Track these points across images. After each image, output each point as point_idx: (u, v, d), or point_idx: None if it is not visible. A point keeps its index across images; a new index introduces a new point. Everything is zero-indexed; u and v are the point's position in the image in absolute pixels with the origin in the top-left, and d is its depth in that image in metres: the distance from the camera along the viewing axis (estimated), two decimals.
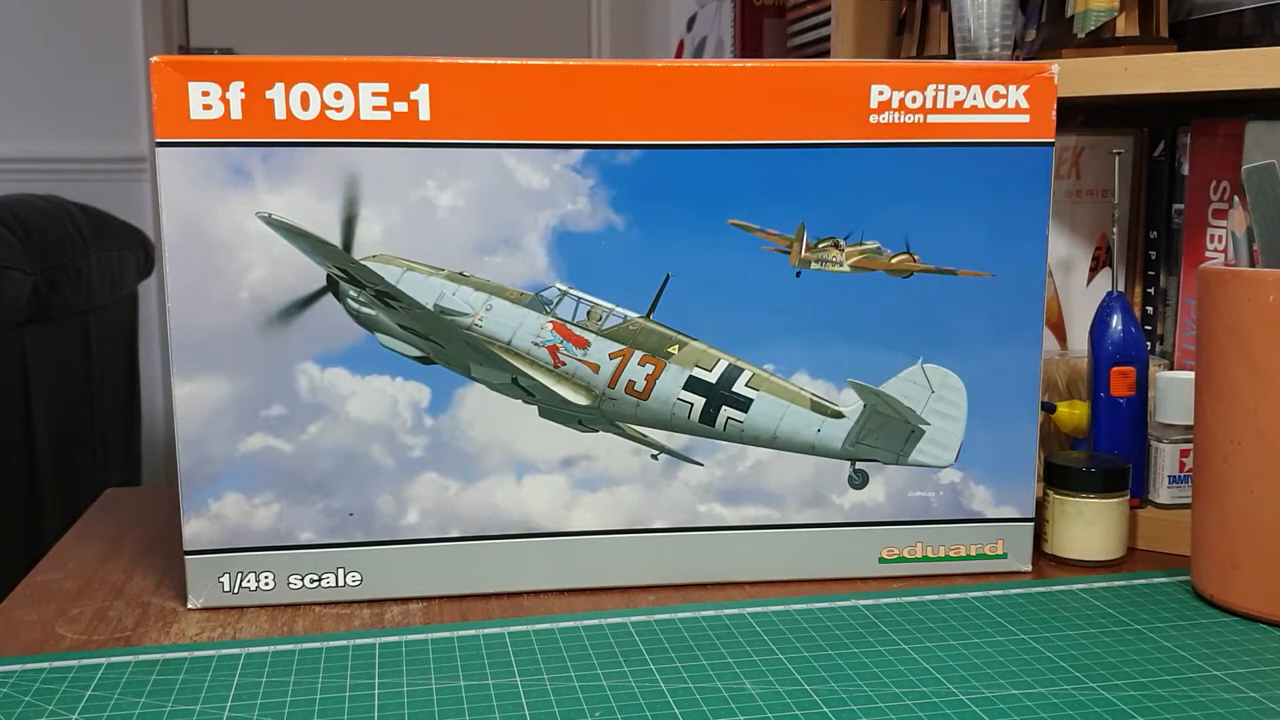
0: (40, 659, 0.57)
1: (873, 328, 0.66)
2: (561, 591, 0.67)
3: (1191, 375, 0.69)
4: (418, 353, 0.64)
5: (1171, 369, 0.81)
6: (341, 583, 0.65)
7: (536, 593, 0.66)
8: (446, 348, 0.64)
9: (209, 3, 2.85)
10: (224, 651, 0.58)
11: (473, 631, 0.60)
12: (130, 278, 1.90)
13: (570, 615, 0.63)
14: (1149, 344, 0.81)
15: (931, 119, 0.65)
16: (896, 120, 0.65)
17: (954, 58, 0.84)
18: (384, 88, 0.61)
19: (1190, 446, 0.74)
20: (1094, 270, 0.85)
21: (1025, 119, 0.66)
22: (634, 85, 0.63)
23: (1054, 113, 0.66)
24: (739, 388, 0.66)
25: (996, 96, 0.66)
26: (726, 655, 0.57)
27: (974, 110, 0.66)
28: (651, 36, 2.96)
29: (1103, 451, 0.75)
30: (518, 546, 0.66)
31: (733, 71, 0.64)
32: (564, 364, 0.65)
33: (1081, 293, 0.85)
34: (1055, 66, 0.66)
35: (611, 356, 0.65)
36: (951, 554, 0.69)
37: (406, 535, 0.65)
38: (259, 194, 0.61)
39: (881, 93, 0.65)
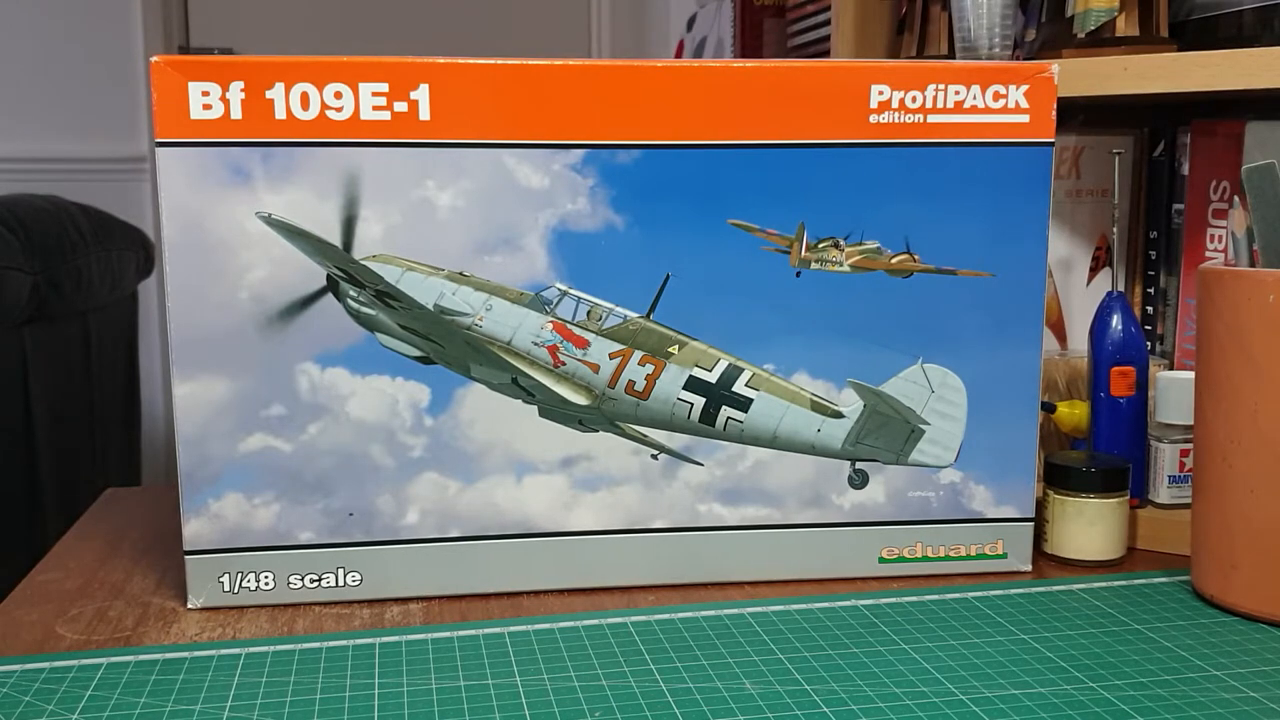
0: (40, 659, 0.57)
1: (873, 328, 0.66)
2: (561, 591, 0.67)
3: (1191, 375, 0.69)
4: (418, 353, 0.64)
5: (1171, 369, 0.81)
6: (341, 583, 0.65)
7: (536, 593, 0.66)
8: (446, 348, 0.64)
9: (209, 3, 2.85)
10: (224, 651, 0.58)
11: (473, 631, 0.60)
12: (130, 278, 1.90)
13: (570, 615, 0.63)
14: (1149, 344, 0.81)
15: (931, 119, 0.65)
16: (896, 120, 0.65)
17: (954, 58, 0.84)
18: (384, 88, 0.61)
19: (1190, 446, 0.74)
20: (1094, 270, 0.85)
21: (1025, 119, 0.66)
22: (634, 85, 0.63)
23: (1054, 113, 0.66)
24: (739, 388, 0.66)
25: (996, 96, 0.66)
26: (726, 655, 0.57)
27: (974, 110, 0.66)
28: (651, 36, 2.96)
29: (1103, 451, 0.75)
30: (518, 546, 0.66)
31: (733, 71, 0.64)
32: (564, 364, 0.65)
33: (1081, 293, 0.85)
34: (1055, 66, 0.66)
35: (611, 356, 0.65)
36: (951, 554, 0.69)
37: (406, 535, 0.65)
38: (259, 194, 0.61)
39: (881, 93, 0.65)
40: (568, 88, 0.62)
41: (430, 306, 0.63)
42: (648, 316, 0.65)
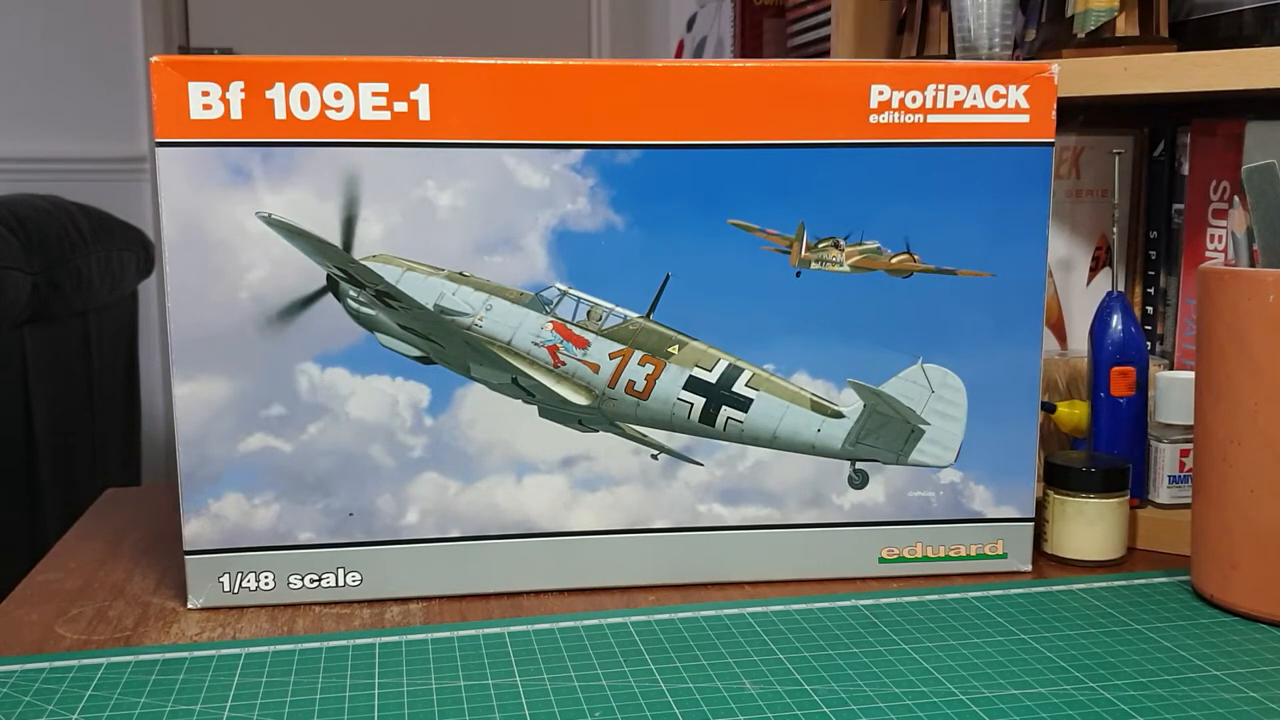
0: (40, 659, 0.57)
1: (873, 328, 0.66)
2: (561, 591, 0.67)
3: (1191, 375, 0.69)
4: (418, 353, 0.64)
5: (1171, 369, 0.81)
6: (341, 583, 0.65)
7: (536, 593, 0.66)
8: (446, 348, 0.64)
9: (209, 3, 2.85)
10: (224, 651, 0.58)
11: (473, 631, 0.60)
12: (130, 278, 1.89)
13: (570, 615, 0.63)
14: (1149, 344, 0.81)
15: (931, 119, 0.65)
16: (896, 120, 0.65)
17: (954, 58, 0.84)
18: (384, 88, 0.61)
19: (1190, 446, 0.74)
20: (1094, 270, 0.85)
21: (1025, 119, 0.66)
22: (634, 85, 0.63)
23: (1054, 113, 0.66)
24: (739, 388, 0.66)
25: (996, 96, 0.66)
26: (726, 655, 0.57)
27: (974, 110, 0.66)
28: (651, 36, 2.96)
29: (1103, 451, 0.75)
30: (518, 546, 0.66)
31: (733, 71, 0.64)
32: (564, 364, 0.65)
33: (1081, 293, 0.85)
34: (1055, 66, 0.66)
35: (611, 356, 0.65)
36: (951, 554, 0.69)
37: (406, 535, 0.65)
38: (259, 194, 0.61)
39: (881, 93, 0.65)
40: (568, 88, 0.62)
41: (430, 306, 0.63)
42: (648, 316, 0.65)
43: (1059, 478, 0.71)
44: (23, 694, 0.54)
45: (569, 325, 0.65)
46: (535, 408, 0.65)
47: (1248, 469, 0.60)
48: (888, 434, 0.67)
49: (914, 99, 0.65)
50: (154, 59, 0.60)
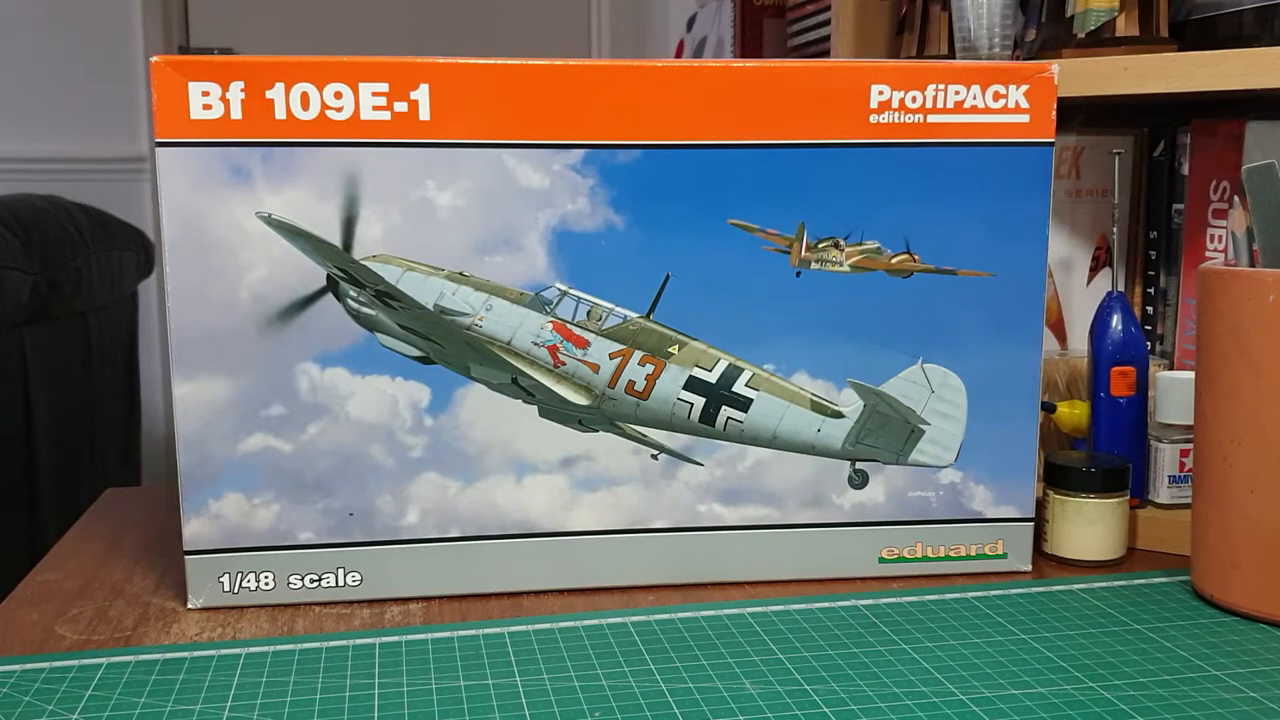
0: (40, 659, 0.57)
1: (873, 328, 0.66)
2: (561, 591, 0.67)
3: (1191, 375, 0.69)
4: (418, 353, 0.64)
5: (1171, 369, 0.81)
6: (341, 583, 0.65)
7: (536, 593, 0.66)
8: (446, 348, 0.64)
9: (209, 3, 2.85)
10: (224, 651, 0.58)
11: (473, 631, 0.60)
12: (130, 278, 1.89)
13: (570, 615, 0.63)
14: (1149, 344, 0.81)
15: (931, 119, 0.65)
16: (896, 120, 0.65)
17: (954, 58, 0.84)
18: (384, 88, 0.61)
19: (1190, 446, 0.74)
20: (1094, 270, 0.85)
21: (1025, 119, 0.66)
22: (634, 85, 0.63)
23: (1054, 113, 0.66)
24: (739, 388, 0.66)
25: (996, 96, 0.66)
26: (726, 655, 0.57)
27: (974, 110, 0.66)
28: (651, 36, 2.96)
29: (1103, 451, 0.75)
30: (518, 546, 0.66)
31: (733, 71, 0.64)
32: (564, 364, 0.65)
33: (1081, 293, 0.85)
34: (1055, 66, 0.66)
35: (611, 356, 0.65)
36: (951, 554, 0.69)
37: (406, 535, 0.65)
38: (259, 194, 0.61)
39: (881, 93, 0.65)
40: (568, 88, 0.62)
41: (430, 306, 0.63)
42: (648, 316, 0.65)
43: (1059, 478, 0.71)
44: (23, 694, 0.54)
45: (569, 325, 0.65)
46: (535, 408, 0.65)
47: (1248, 469, 0.60)
48: (888, 434, 0.67)
49: (914, 99, 0.65)
50: (154, 59, 0.60)
